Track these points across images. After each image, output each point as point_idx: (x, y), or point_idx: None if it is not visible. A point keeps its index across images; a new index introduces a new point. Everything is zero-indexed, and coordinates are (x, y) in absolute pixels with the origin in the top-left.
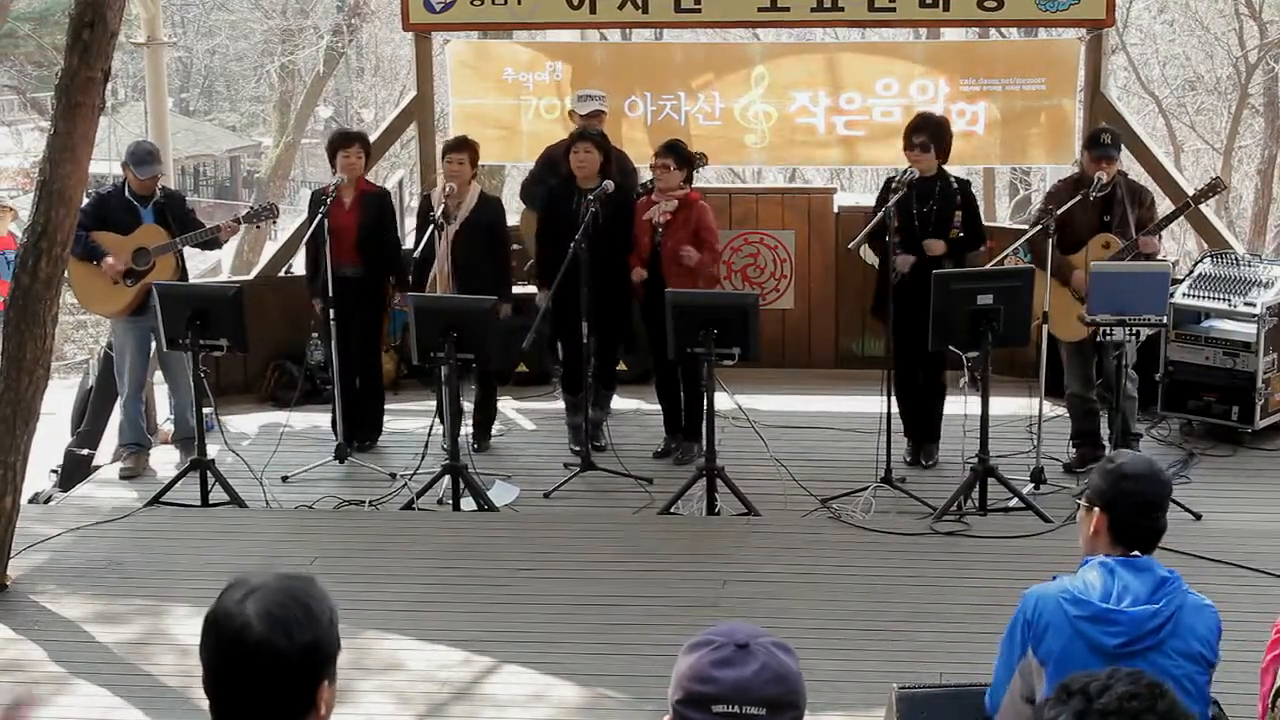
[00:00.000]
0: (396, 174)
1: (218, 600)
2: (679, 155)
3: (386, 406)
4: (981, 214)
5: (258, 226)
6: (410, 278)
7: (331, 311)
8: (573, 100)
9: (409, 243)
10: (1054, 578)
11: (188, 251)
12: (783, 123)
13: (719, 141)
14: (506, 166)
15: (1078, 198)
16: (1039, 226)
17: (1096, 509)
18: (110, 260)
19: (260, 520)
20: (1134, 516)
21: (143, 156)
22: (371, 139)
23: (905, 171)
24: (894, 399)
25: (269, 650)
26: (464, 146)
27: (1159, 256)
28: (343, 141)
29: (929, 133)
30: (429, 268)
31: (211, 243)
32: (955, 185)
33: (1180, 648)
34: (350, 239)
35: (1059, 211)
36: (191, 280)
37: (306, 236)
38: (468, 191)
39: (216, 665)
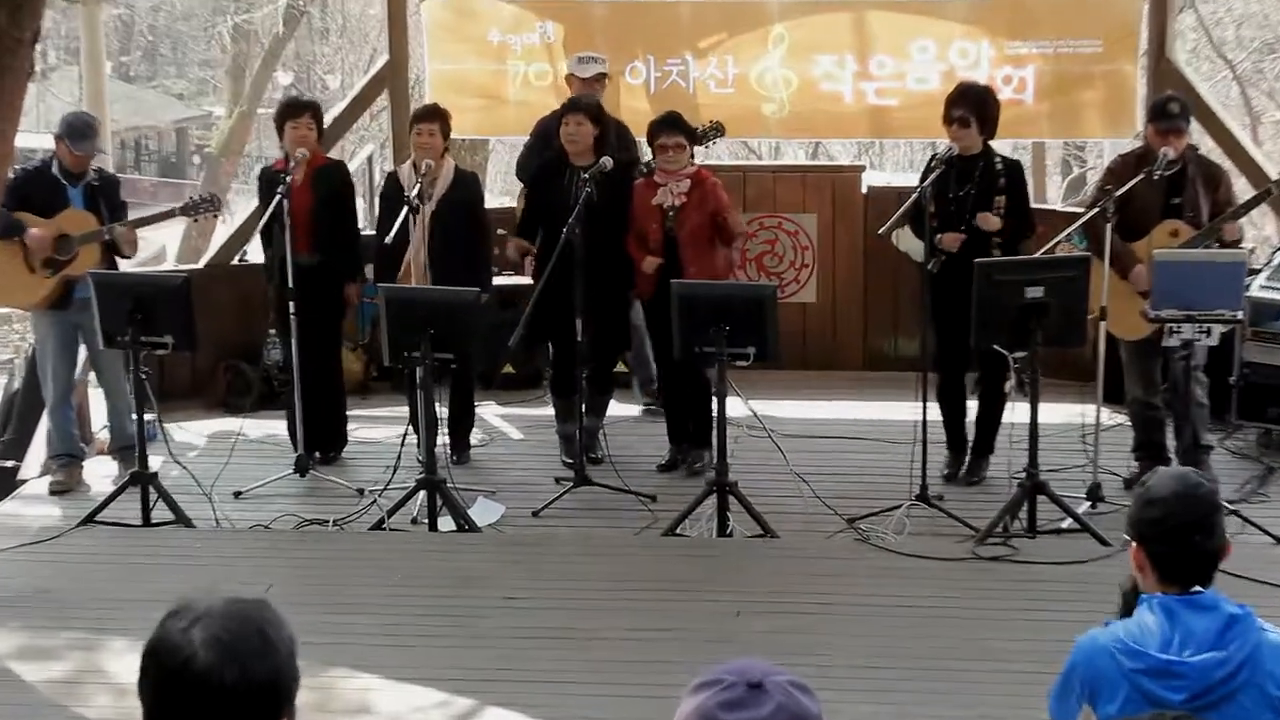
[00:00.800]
0: (365, 149)
1: (159, 627)
2: (688, 130)
3: (354, 413)
4: (1030, 196)
5: (195, 220)
6: (377, 267)
7: (291, 305)
8: (571, 63)
9: (373, 227)
10: (1105, 622)
11: None
12: (804, 90)
13: (732, 111)
14: (490, 141)
15: (1140, 176)
16: (1096, 209)
17: (1134, 542)
18: (36, 232)
19: (209, 542)
20: (1170, 546)
21: (81, 129)
22: (338, 109)
23: (946, 148)
24: (933, 405)
25: (218, 684)
26: (434, 115)
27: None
28: (291, 110)
29: (970, 105)
30: (401, 255)
31: (112, 247)
32: (1000, 166)
33: (1257, 697)
34: (302, 222)
35: (1118, 192)
36: (128, 269)
37: (263, 222)
38: (442, 168)
39: (157, 703)
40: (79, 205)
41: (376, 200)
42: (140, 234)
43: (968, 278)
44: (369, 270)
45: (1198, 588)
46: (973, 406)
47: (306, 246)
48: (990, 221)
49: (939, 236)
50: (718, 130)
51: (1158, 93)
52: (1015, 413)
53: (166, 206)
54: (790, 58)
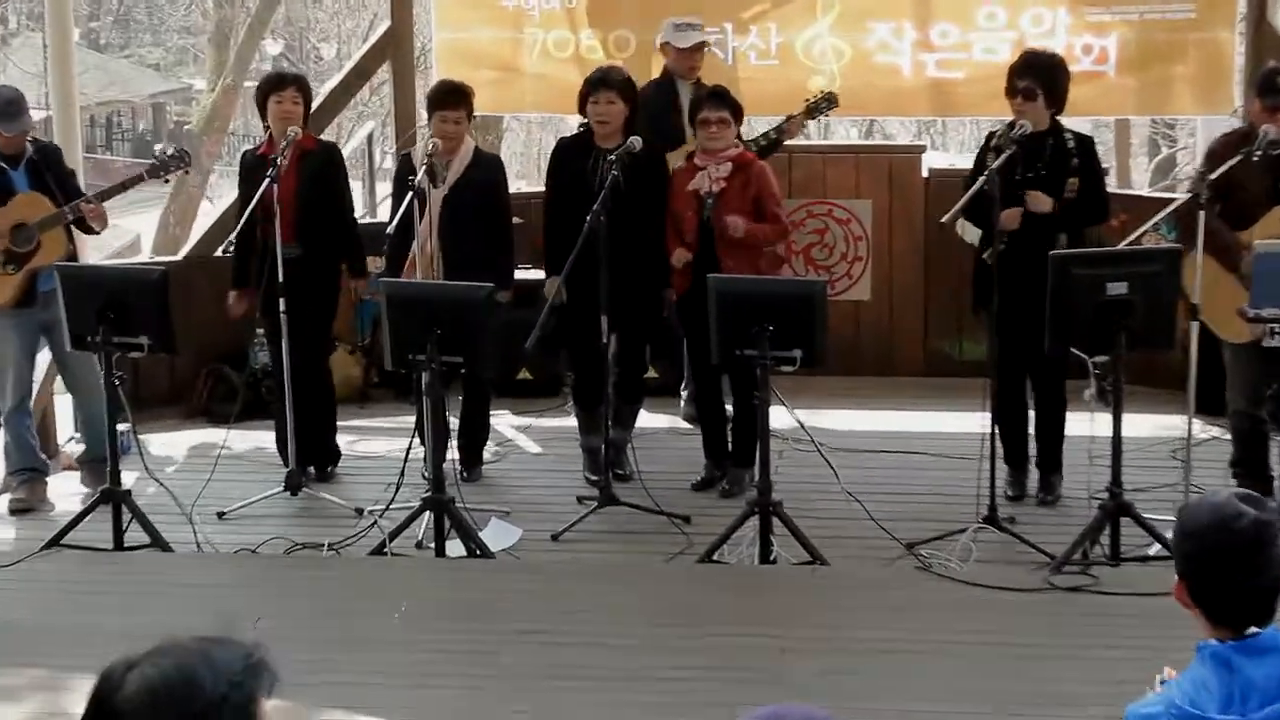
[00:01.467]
0: (365, 127)
1: (115, 660)
2: (733, 105)
3: (353, 423)
4: (1108, 179)
5: (166, 180)
6: (386, 260)
7: (282, 303)
8: (665, 30)
9: (375, 215)
10: (1160, 681)
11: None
12: (858, 62)
13: (776, 86)
14: (505, 118)
15: (1237, 158)
16: (1187, 195)
17: (1178, 578)
18: None
19: (190, 568)
20: (1212, 582)
21: (7, 109)
22: (333, 83)
23: (1012, 125)
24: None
25: None
26: (460, 98)
27: None
28: (274, 84)
29: (1036, 75)
30: (406, 244)
31: (80, 224)
32: (1072, 143)
33: None
34: (286, 211)
35: (1213, 176)
36: (95, 261)
37: (252, 206)
38: (460, 147)
39: None
40: (25, 188)
41: (380, 184)
42: (112, 222)
43: (1032, 270)
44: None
45: (1254, 629)
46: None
47: (289, 236)
48: (1040, 201)
49: (999, 216)
50: (829, 101)
51: (1257, 63)
52: (1096, 424)
53: (132, 173)
54: (841, 26)
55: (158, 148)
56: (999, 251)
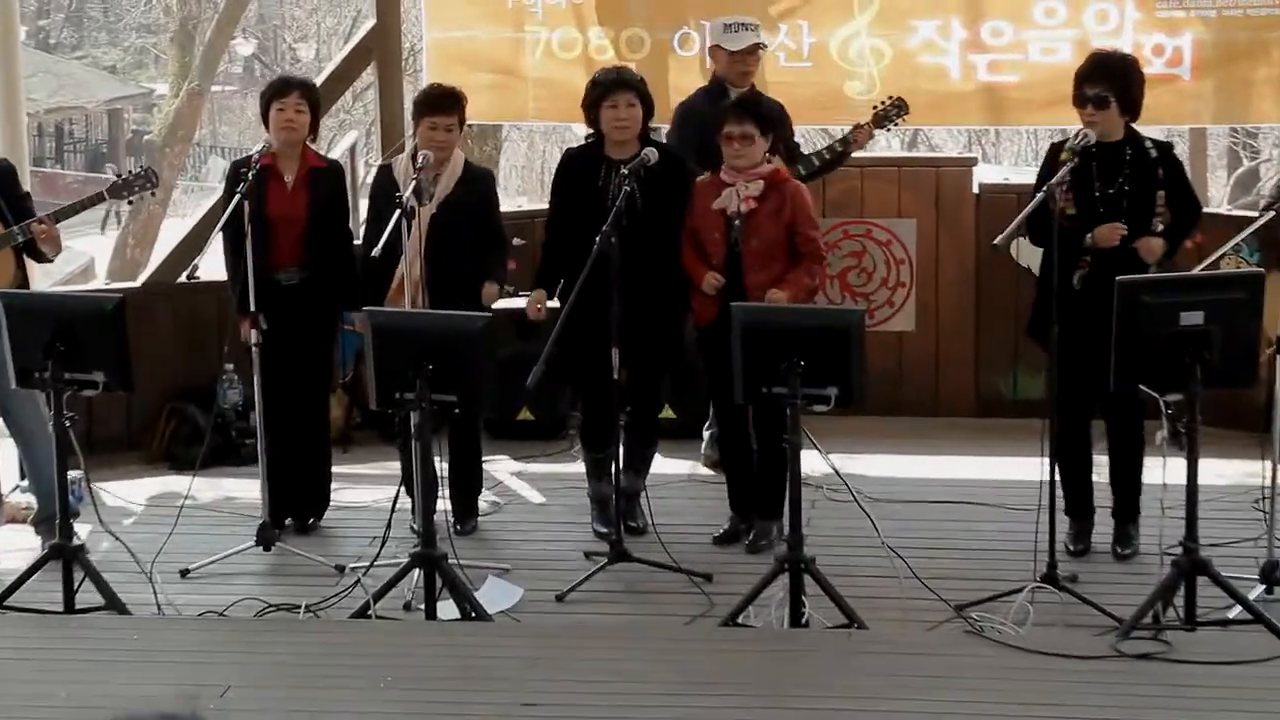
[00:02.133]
0: (347, 136)
1: None
2: (761, 117)
3: (333, 469)
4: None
5: (130, 203)
6: (365, 286)
7: (254, 333)
8: (714, 30)
9: (358, 236)
10: None
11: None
12: (900, 64)
13: (808, 91)
14: (504, 127)
15: None
16: (1271, 213)
17: None
18: None
19: (150, 633)
20: None
21: None
22: None
23: (1078, 135)
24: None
25: None
26: (452, 103)
27: None
28: (277, 90)
29: (1107, 80)
30: (392, 271)
31: (29, 250)
32: (1154, 153)
33: None
34: (295, 233)
35: None
36: (46, 288)
37: (221, 223)
38: (449, 161)
39: None
40: None
41: (364, 201)
42: (64, 244)
43: (1106, 299)
44: None
45: None
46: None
47: (294, 260)
48: (1154, 249)
49: (1091, 234)
50: (899, 108)
51: None
52: (1170, 471)
53: (91, 191)
54: (881, 23)
55: (110, 168)
56: (1083, 275)
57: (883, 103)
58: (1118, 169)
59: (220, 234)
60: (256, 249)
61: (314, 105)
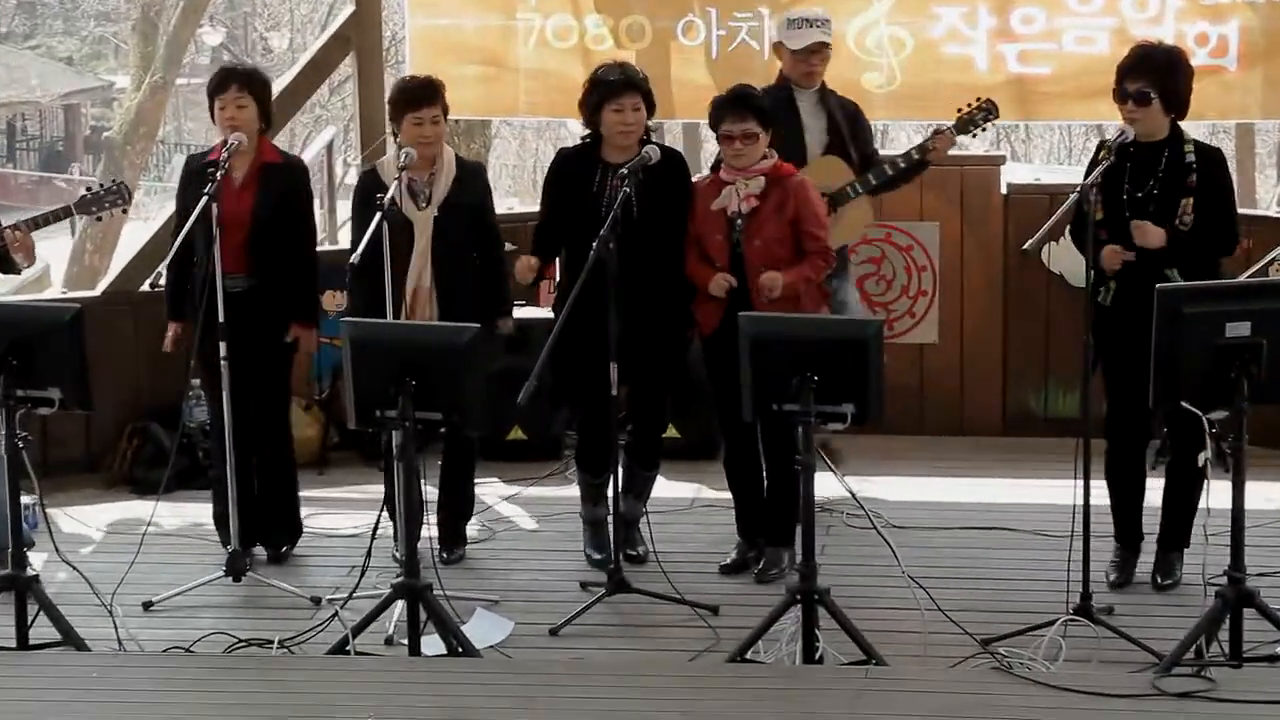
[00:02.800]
0: (324, 133)
1: None
2: (761, 111)
3: (308, 493)
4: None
5: (98, 218)
6: (349, 296)
7: (223, 347)
8: (779, 26)
9: (335, 240)
10: None
11: None
12: (922, 55)
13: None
14: (494, 123)
15: None
16: None
17: None
18: None
19: (110, 671)
20: None
21: None
22: (285, 80)
23: (1120, 133)
24: (1099, 483)
25: None
26: (434, 95)
27: None
28: (215, 86)
29: (1153, 74)
30: (379, 281)
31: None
32: (1192, 156)
33: None
34: (239, 235)
35: None
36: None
37: (188, 227)
38: (441, 159)
39: None
40: None
41: (342, 203)
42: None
43: (1142, 314)
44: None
45: None
46: (1154, 485)
47: (240, 266)
48: (1148, 235)
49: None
50: (987, 112)
51: None
52: (1213, 495)
53: (49, 196)
54: (902, 10)
55: (90, 186)
56: (1111, 291)
57: (969, 105)
58: (1151, 171)
59: (173, 236)
60: (205, 254)
61: (260, 97)
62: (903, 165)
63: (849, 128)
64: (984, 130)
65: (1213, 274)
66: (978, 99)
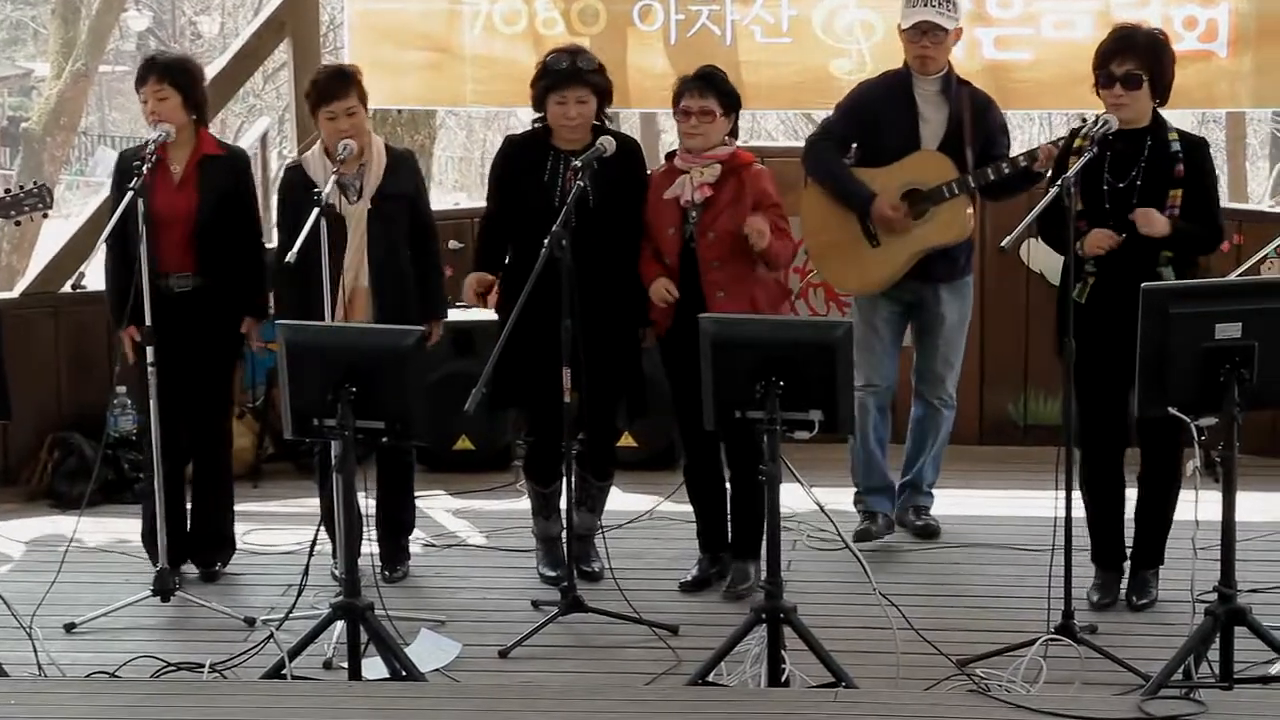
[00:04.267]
0: (257, 124)
1: None
2: (722, 92)
3: (241, 508)
4: (1219, 189)
5: (17, 223)
6: (276, 299)
7: (150, 351)
8: (903, 7)
9: (270, 238)
10: None
11: None
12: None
13: (789, 70)
14: (439, 113)
15: None
16: None
17: None
18: None
19: (30, 697)
20: None
21: None
22: (215, 68)
23: (1098, 121)
24: (1079, 495)
25: None
26: (346, 86)
27: None
28: (138, 79)
29: (1140, 56)
30: (311, 281)
31: None
32: (1176, 145)
33: None
34: (184, 232)
35: None
36: None
37: (111, 226)
38: (370, 150)
39: None
40: None
41: (274, 201)
42: None
43: (1128, 310)
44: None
45: None
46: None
47: (185, 264)
48: (1154, 222)
49: (1081, 240)
50: (1109, 123)
51: None
52: (1200, 506)
53: None
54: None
55: (9, 187)
56: (1089, 285)
57: (1083, 121)
58: (1133, 161)
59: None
60: (141, 252)
61: (183, 85)
62: (1006, 170)
63: (973, 123)
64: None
65: (1194, 268)
66: (1097, 116)
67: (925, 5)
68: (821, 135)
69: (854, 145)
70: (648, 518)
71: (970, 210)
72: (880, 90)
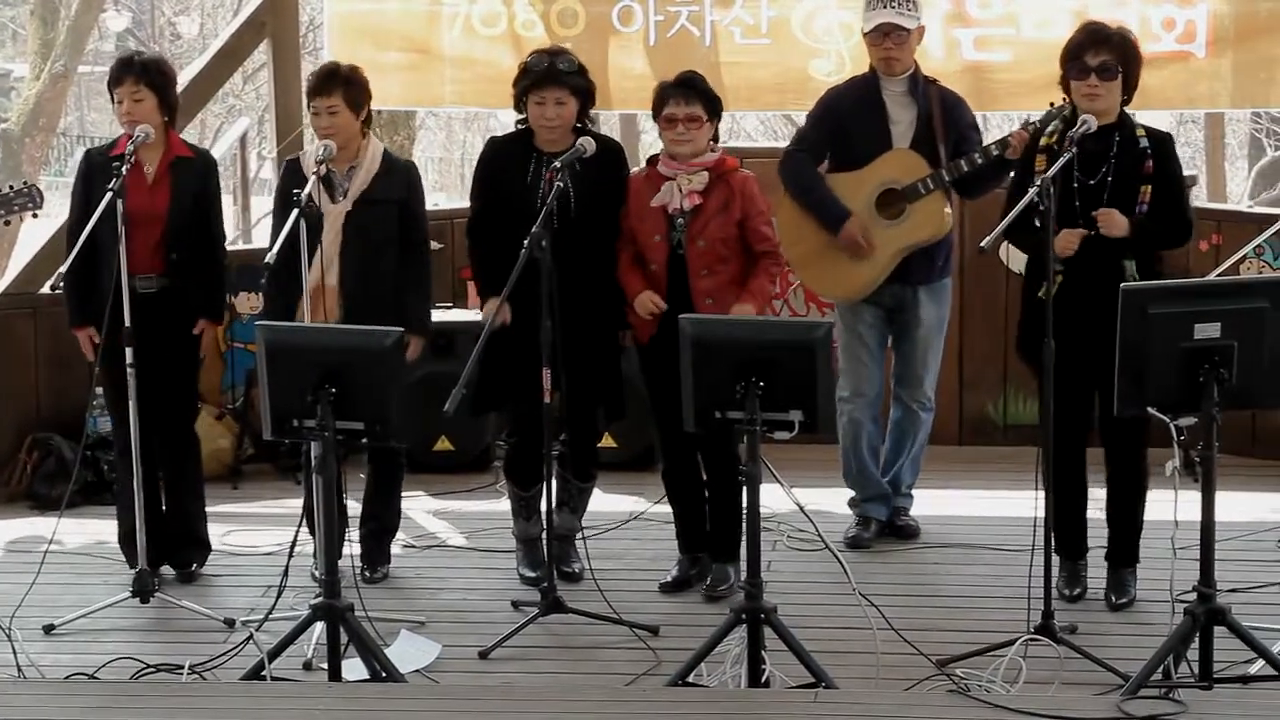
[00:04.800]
0: (237, 125)
1: None
2: (707, 96)
3: (220, 509)
4: (1195, 191)
5: (6, 222)
6: (264, 298)
7: (129, 353)
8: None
9: (250, 239)
10: None
11: None
12: None
13: (768, 72)
14: (419, 114)
15: None
16: None
17: None
18: None
19: (9, 699)
20: None
21: None
22: (194, 68)
23: (1070, 117)
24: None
25: None
26: (331, 83)
27: None
28: (113, 79)
29: (1114, 49)
30: (295, 279)
31: None
32: (1144, 141)
33: None
34: (155, 233)
35: None
36: None
37: (91, 224)
38: (366, 152)
39: None
40: None
41: (256, 198)
42: None
43: (1097, 309)
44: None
45: None
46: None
47: (152, 265)
48: (1115, 223)
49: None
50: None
51: None
52: (1182, 506)
53: None
54: None
55: None
56: (1056, 284)
57: (1064, 100)
58: (1103, 159)
59: (71, 236)
60: (113, 253)
61: (159, 86)
62: (980, 161)
63: (944, 120)
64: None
65: (1161, 266)
66: (1063, 103)
67: (885, 6)
68: (796, 146)
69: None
70: (629, 520)
71: (948, 208)
72: (848, 95)
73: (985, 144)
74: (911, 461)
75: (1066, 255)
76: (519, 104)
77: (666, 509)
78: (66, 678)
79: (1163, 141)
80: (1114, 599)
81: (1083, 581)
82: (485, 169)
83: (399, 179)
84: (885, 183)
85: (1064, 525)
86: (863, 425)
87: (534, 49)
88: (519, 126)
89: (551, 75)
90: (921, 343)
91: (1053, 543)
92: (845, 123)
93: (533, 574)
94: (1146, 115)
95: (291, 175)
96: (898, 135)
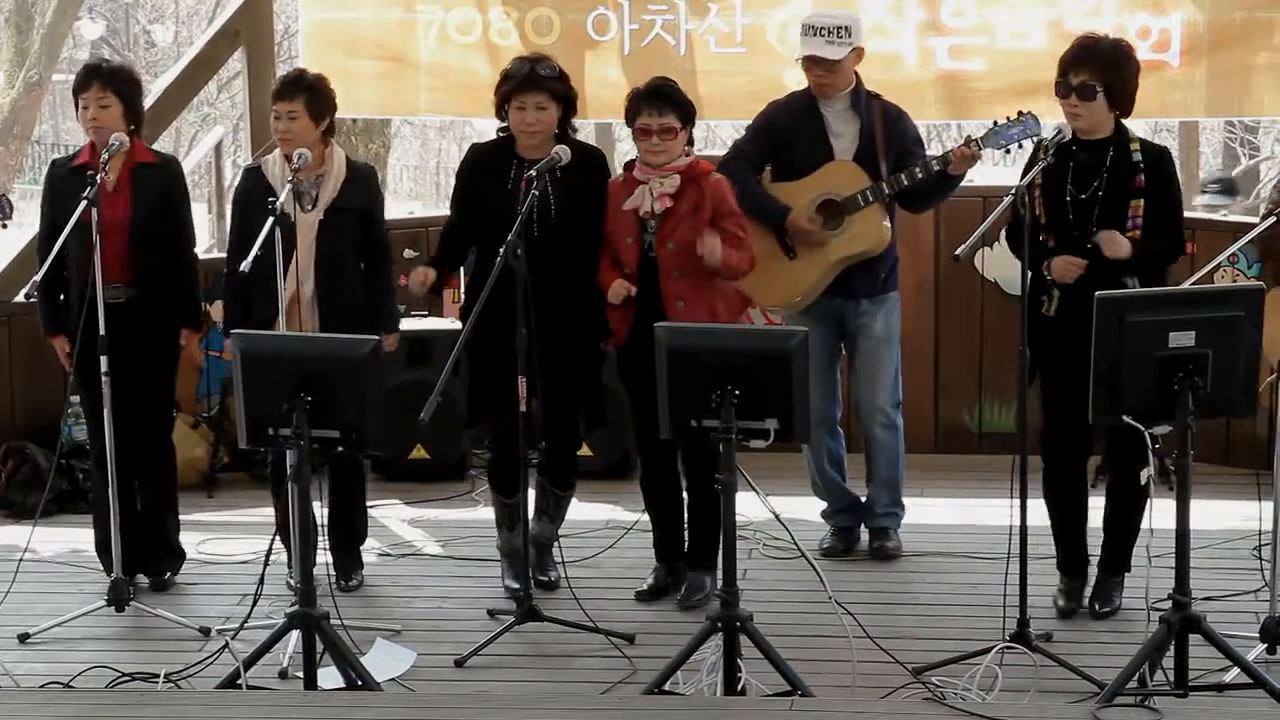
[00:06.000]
0: (212, 133)
1: None
2: (679, 105)
3: (195, 517)
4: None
5: None
6: (226, 307)
7: (104, 361)
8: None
9: (224, 248)
10: None
11: None
12: None
13: (742, 80)
14: (394, 122)
15: None
16: (1273, 219)
17: None
18: None
19: None
20: None
21: None
22: (169, 77)
23: (1057, 132)
24: (1037, 503)
25: None
26: (295, 89)
27: None
28: (78, 85)
29: (1098, 67)
30: (270, 288)
31: None
32: (1138, 155)
33: None
34: (120, 242)
35: None
36: None
37: (66, 234)
38: (333, 160)
39: None
40: None
41: (228, 207)
42: None
43: (1081, 324)
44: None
45: None
46: (1095, 505)
47: (121, 274)
48: (1118, 246)
49: (1049, 263)
50: (1025, 127)
51: None
52: (1157, 515)
53: None
54: (826, 2)
55: None
56: (1055, 301)
57: (1006, 118)
58: (1095, 172)
59: (42, 246)
60: (81, 263)
61: (126, 94)
62: (920, 175)
63: (885, 134)
64: (1020, 148)
65: (1161, 282)
66: (1019, 112)
67: (815, 35)
68: (733, 156)
69: (767, 166)
70: (604, 527)
71: (886, 222)
72: (787, 111)
73: (926, 159)
74: (885, 484)
75: (1066, 281)
76: (500, 111)
77: (642, 516)
78: (41, 687)
79: (1159, 156)
80: (1098, 607)
81: (1081, 598)
82: (466, 176)
83: (362, 185)
84: (824, 193)
85: (1066, 541)
86: (820, 441)
87: (515, 56)
88: (501, 134)
89: (532, 80)
90: (870, 358)
91: (1050, 558)
92: (785, 137)
93: (518, 585)
94: (1134, 125)
95: (253, 182)
96: (840, 150)
